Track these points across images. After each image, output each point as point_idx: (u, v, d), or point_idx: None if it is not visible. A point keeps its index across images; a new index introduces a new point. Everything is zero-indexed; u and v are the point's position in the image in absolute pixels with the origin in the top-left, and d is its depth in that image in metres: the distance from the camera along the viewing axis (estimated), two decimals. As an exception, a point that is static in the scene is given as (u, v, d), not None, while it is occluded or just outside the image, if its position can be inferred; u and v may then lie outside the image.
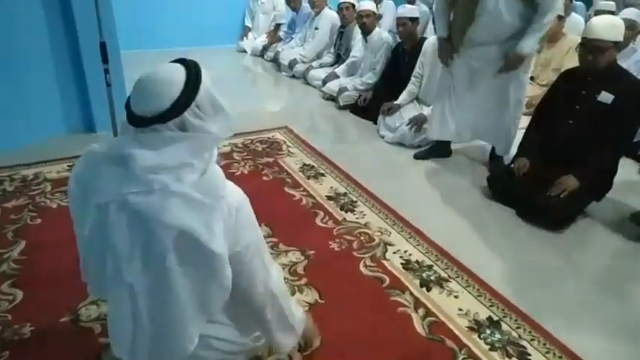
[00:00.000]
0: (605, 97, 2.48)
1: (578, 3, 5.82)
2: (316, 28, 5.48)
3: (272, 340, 1.43)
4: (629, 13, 4.00)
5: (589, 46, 2.41)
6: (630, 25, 3.89)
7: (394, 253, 2.23)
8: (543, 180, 2.54)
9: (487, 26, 2.78)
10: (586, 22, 5.06)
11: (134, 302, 1.11)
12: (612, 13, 4.34)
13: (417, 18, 3.87)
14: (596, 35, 2.38)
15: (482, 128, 3.17)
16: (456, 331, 1.76)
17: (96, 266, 1.15)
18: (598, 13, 4.66)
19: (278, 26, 6.53)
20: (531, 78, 4.41)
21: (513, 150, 2.94)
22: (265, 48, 6.37)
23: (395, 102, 3.76)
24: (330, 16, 5.38)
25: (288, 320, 1.41)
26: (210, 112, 1.11)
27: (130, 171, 1.05)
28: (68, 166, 2.93)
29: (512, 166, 2.68)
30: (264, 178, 2.95)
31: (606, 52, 2.40)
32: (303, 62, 5.37)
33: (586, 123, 2.53)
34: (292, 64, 5.44)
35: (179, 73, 1.09)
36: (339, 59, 5.12)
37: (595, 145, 2.49)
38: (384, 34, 4.33)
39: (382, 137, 3.71)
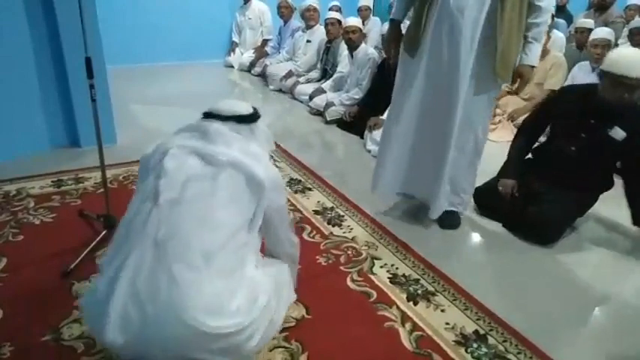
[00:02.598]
0: (618, 133, 2.42)
1: (559, 20, 5.96)
2: (308, 41, 5.55)
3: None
4: (603, 32, 4.10)
5: (628, 85, 2.25)
6: (607, 44, 4.01)
7: (381, 267, 2.23)
8: (531, 194, 2.56)
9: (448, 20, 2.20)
10: (567, 39, 5.20)
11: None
12: (591, 30, 4.45)
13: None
14: (638, 74, 2.23)
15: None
16: (443, 346, 1.76)
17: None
18: (578, 30, 4.79)
19: (265, 42, 6.58)
20: (514, 92, 4.49)
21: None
22: (252, 64, 6.39)
23: (381, 117, 3.79)
24: (321, 32, 5.44)
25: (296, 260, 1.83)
26: None
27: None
28: (52, 181, 2.89)
29: (499, 188, 2.64)
30: (251, 192, 2.94)
31: (638, 90, 2.30)
32: (299, 74, 5.41)
33: (590, 152, 2.49)
34: (289, 74, 5.45)
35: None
36: (325, 74, 5.17)
37: (597, 172, 2.52)
38: (369, 49, 4.39)
39: (369, 151, 3.73)
